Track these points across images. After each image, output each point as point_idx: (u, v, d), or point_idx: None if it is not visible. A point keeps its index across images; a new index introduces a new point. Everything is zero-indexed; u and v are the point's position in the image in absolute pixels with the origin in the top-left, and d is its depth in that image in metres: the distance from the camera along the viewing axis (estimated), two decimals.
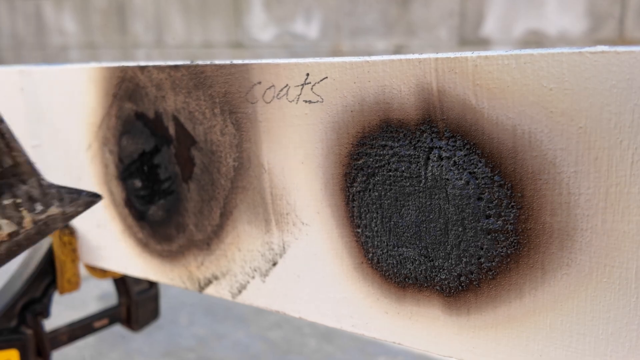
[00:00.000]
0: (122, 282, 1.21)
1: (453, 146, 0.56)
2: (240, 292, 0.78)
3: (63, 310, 2.07)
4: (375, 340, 1.81)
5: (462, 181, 0.56)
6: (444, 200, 0.58)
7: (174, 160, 0.80)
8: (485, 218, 0.56)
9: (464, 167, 0.56)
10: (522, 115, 0.52)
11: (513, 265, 0.56)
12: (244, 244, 0.75)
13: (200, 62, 0.73)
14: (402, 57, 0.57)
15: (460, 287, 0.59)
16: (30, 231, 0.67)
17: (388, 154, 0.60)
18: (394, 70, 0.57)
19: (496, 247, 0.56)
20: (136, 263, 0.90)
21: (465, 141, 0.55)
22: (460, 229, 0.58)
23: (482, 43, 2.96)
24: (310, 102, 0.64)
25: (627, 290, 0.50)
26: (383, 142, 0.60)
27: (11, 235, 0.66)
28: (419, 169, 0.59)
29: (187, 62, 0.74)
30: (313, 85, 0.63)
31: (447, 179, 0.57)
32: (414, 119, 0.58)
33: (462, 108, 0.55)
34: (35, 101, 0.96)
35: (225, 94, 0.71)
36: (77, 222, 0.98)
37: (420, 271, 0.61)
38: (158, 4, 4.34)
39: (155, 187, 0.83)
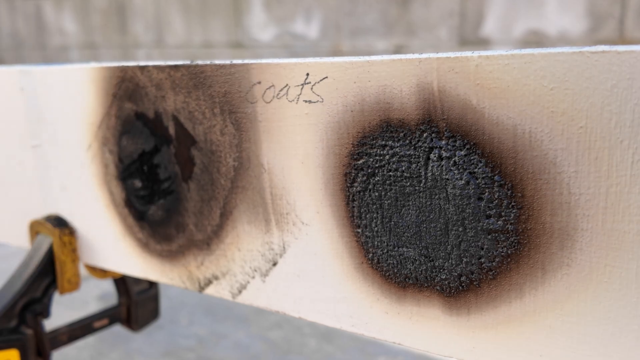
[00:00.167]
0: (122, 282, 1.21)
1: (453, 146, 0.56)
2: (240, 292, 0.78)
3: (63, 310, 2.07)
4: (375, 340, 1.81)
5: (463, 181, 0.56)
6: (444, 200, 0.58)
7: (174, 160, 0.79)
8: (486, 218, 0.56)
9: (464, 167, 0.56)
10: (522, 115, 0.52)
11: (513, 265, 0.55)
12: (244, 244, 0.75)
13: (200, 62, 0.73)
14: (403, 57, 0.57)
15: (460, 287, 0.59)
16: None
17: (388, 154, 0.60)
18: (395, 70, 0.57)
19: (497, 247, 0.56)
20: (136, 263, 0.90)
21: (466, 141, 0.55)
22: (460, 229, 0.58)
23: (482, 43, 2.96)
24: (310, 102, 0.64)
25: (627, 291, 0.50)
26: (383, 142, 0.60)
27: None
28: (419, 169, 0.59)
29: (187, 62, 0.74)
30: (313, 85, 0.63)
31: (448, 179, 0.57)
32: (414, 118, 0.58)
33: (463, 108, 0.55)
34: (35, 101, 0.96)
35: (225, 93, 0.71)
36: (77, 222, 0.98)
37: (421, 271, 0.61)
38: (158, 4, 4.34)
39: (155, 187, 0.83)
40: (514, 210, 0.54)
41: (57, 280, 1.02)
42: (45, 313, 1.03)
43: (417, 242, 0.61)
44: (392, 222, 0.62)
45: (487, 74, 0.52)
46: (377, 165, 0.61)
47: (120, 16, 4.63)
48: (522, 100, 0.51)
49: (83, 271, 1.03)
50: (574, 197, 0.51)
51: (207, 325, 2.18)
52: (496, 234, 0.56)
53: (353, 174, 0.63)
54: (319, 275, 0.69)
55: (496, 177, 0.54)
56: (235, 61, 0.69)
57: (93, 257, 0.98)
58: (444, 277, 0.60)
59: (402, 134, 0.59)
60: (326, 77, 0.62)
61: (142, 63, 0.79)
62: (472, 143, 0.55)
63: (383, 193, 0.62)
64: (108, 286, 2.38)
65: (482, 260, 0.57)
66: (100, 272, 1.05)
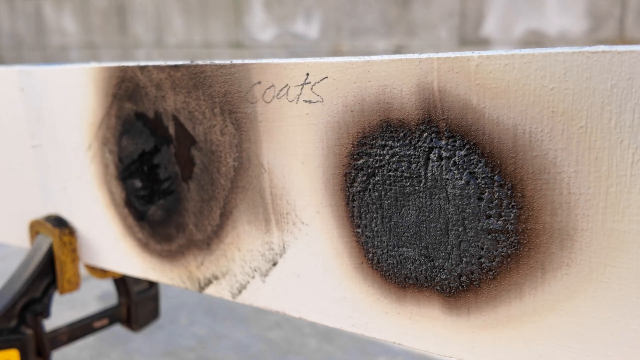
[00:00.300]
0: (122, 282, 1.21)
1: (453, 146, 0.56)
2: (240, 292, 0.78)
3: (63, 310, 2.07)
4: (375, 340, 1.81)
5: (463, 181, 0.56)
6: (444, 200, 0.58)
7: (174, 160, 0.79)
8: (486, 218, 0.56)
9: (464, 167, 0.56)
10: (522, 114, 0.52)
11: (513, 265, 0.55)
12: (243, 244, 0.75)
13: (200, 62, 0.73)
14: (403, 57, 0.57)
15: (460, 287, 0.59)
16: None
17: (388, 154, 0.60)
18: (395, 70, 0.57)
19: (497, 247, 0.56)
20: (136, 263, 0.90)
21: (466, 141, 0.55)
22: (460, 229, 0.58)
23: (482, 43, 2.96)
24: (310, 102, 0.64)
25: (627, 291, 0.50)
26: (383, 142, 0.60)
27: None
28: (419, 169, 0.59)
29: (187, 62, 0.74)
30: (313, 85, 0.63)
31: (448, 179, 0.57)
32: (414, 118, 0.58)
33: (463, 108, 0.55)
34: (35, 101, 0.96)
35: (225, 93, 0.71)
36: (77, 222, 0.98)
37: (421, 271, 0.61)
38: (158, 4, 4.34)
39: (155, 187, 0.83)
40: (514, 210, 0.54)
41: (57, 280, 1.02)
42: (45, 313, 1.03)
43: (417, 242, 0.61)
44: (392, 222, 0.62)
45: (487, 74, 0.52)
46: (377, 165, 0.61)
47: (120, 16, 4.63)
48: (522, 100, 0.51)
49: (83, 271, 1.03)
50: (573, 197, 0.51)
51: (207, 325, 2.18)
52: (496, 234, 0.56)
53: (353, 174, 0.63)
54: (319, 275, 0.69)
55: (496, 177, 0.54)
56: (235, 61, 0.69)
57: (93, 257, 0.98)
58: (444, 277, 0.60)
59: (402, 134, 0.59)
60: (326, 77, 0.62)
61: (142, 63, 0.79)
62: (472, 143, 0.55)
63: (383, 193, 0.62)
64: (108, 286, 2.38)
65: (482, 260, 0.57)
66: (100, 272, 1.05)
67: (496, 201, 0.55)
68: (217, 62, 0.71)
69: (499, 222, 0.55)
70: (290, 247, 0.71)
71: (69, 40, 5.06)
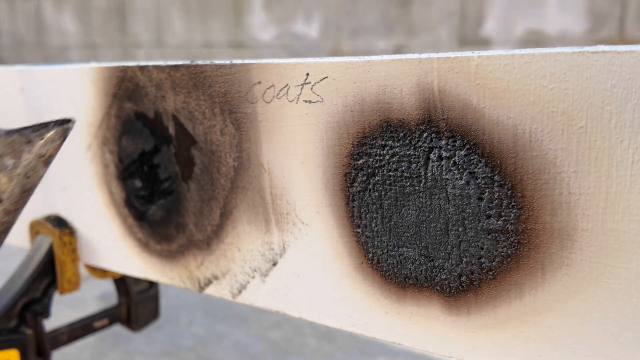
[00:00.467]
0: (122, 282, 1.21)
1: (453, 146, 0.56)
2: (240, 292, 0.78)
3: (63, 310, 2.07)
4: (375, 340, 1.81)
5: (463, 181, 0.56)
6: (445, 200, 0.58)
7: (174, 160, 0.79)
8: (486, 218, 0.56)
9: (464, 167, 0.56)
10: (522, 114, 0.52)
11: (513, 265, 0.55)
12: (244, 244, 0.75)
13: (200, 62, 0.73)
14: (403, 57, 0.57)
15: (460, 287, 0.59)
16: (13, 191, 0.58)
17: (388, 154, 0.60)
18: (395, 70, 0.57)
19: (497, 247, 0.56)
20: (136, 263, 0.90)
21: (466, 141, 0.55)
22: (460, 229, 0.58)
23: (482, 43, 2.96)
24: (310, 102, 0.64)
25: (627, 291, 0.50)
26: (383, 142, 0.60)
27: None
28: (419, 169, 0.59)
29: (187, 62, 0.74)
30: (313, 85, 0.63)
31: (448, 179, 0.57)
32: (414, 118, 0.58)
33: (463, 108, 0.55)
34: (35, 101, 0.96)
35: (225, 93, 0.71)
36: (77, 222, 0.98)
37: (421, 271, 0.61)
38: (158, 4, 4.34)
39: (155, 187, 0.83)
40: (514, 210, 0.54)
41: (57, 280, 1.02)
42: (45, 313, 1.03)
43: (417, 242, 0.61)
44: (392, 222, 0.62)
45: (487, 74, 0.52)
46: (377, 165, 0.61)
47: (120, 16, 4.63)
48: (522, 100, 0.51)
49: (83, 271, 1.03)
50: (573, 197, 0.51)
51: (207, 325, 2.18)
52: (496, 234, 0.56)
53: (353, 174, 0.63)
54: (319, 275, 0.69)
55: (496, 177, 0.54)
56: (235, 61, 0.69)
57: (93, 257, 0.98)
58: (444, 277, 0.60)
59: (402, 134, 0.59)
60: (326, 77, 0.62)
61: (142, 63, 0.79)
62: (472, 143, 0.55)
63: (383, 193, 0.62)
64: (108, 286, 2.38)
65: (482, 260, 0.57)
66: (100, 272, 1.05)
67: (496, 201, 0.55)
68: (217, 62, 0.71)
69: (499, 222, 0.55)
70: (290, 247, 0.71)
71: (69, 40, 5.06)
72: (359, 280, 0.66)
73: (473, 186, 0.56)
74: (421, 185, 0.59)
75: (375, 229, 0.63)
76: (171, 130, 0.78)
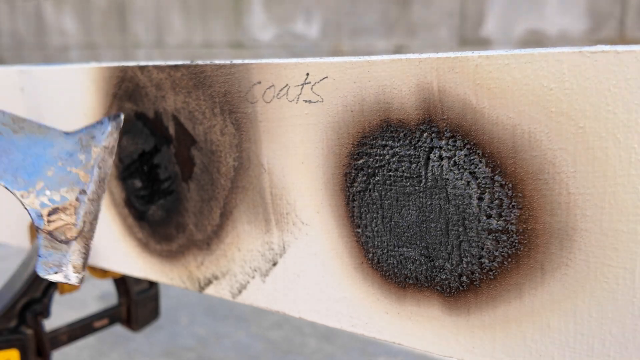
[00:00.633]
0: (122, 282, 1.21)
1: (453, 146, 0.56)
2: (240, 292, 0.78)
3: (63, 310, 2.07)
4: (375, 340, 1.81)
5: (463, 181, 0.56)
6: (445, 200, 0.58)
7: (174, 160, 0.80)
8: (486, 218, 0.56)
9: (465, 167, 0.56)
10: (522, 115, 0.52)
11: (513, 265, 0.56)
12: (244, 244, 0.75)
13: (200, 62, 0.73)
14: (403, 57, 0.57)
15: (460, 287, 0.59)
16: (92, 182, 0.63)
17: (388, 154, 0.60)
18: (395, 70, 0.57)
19: (497, 247, 0.56)
20: (136, 263, 0.90)
21: (466, 141, 0.55)
22: (461, 229, 0.58)
23: (482, 43, 2.96)
24: (310, 102, 0.64)
25: (626, 290, 0.50)
26: (383, 142, 0.60)
27: (80, 195, 0.63)
28: (420, 169, 0.59)
29: (187, 62, 0.74)
30: (313, 85, 0.63)
31: (448, 179, 0.57)
32: (414, 118, 0.58)
33: (463, 108, 0.55)
34: (35, 101, 0.96)
35: (225, 93, 0.71)
36: None
37: (421, 271, 0.61)
38: (158, 4, 4.34)
39: (155, 187, 0.83)
40: (514, 211, 0.54)
41: None
42: (45, 313, 1.03)
43: (418, 242, 0.61)
44: (392, 222, 0.62)
45: (487, 74, 0.52)
46: (377, 165, 0.61)
47: (120, 16, 4.63)
48: (522, 100, 0.51)
49: None
50: (573, 197, 0.51)
51: (207, 325, 2.18)
52: (497, 234, 0.56)
53: (353, 174, 0.63)
54: (319, 275, 0.69)
55: (496, 177, 0.54)
56: (235, 61, 0.69)
57: (93, 257, 0.98)
58: (444, 277, 0.60)
59: (402, 134, 0.59)
60: (326, 77, 0.62)
61: (142, 63, 0.79)
62: (472, 143, 0.55)
63: (383, 193, 0.62)
64: (108, 286, 2.38)
65: (483, 260, 0.57)
66: (100, 272, 1.05)
67: (497, 201, 0.55)
68: (217, 62, 0.71)
69: (499, 222, 0.55)
70: (290, 247, 0.71)
71: (69, 40, 5.06)
72: (359, 280, 0.66)
73: (473, 186, 0.56)
74: (421, 185, 0.59)
75: (376, 229, 0.63)
76: (171, 130, 0.78)
